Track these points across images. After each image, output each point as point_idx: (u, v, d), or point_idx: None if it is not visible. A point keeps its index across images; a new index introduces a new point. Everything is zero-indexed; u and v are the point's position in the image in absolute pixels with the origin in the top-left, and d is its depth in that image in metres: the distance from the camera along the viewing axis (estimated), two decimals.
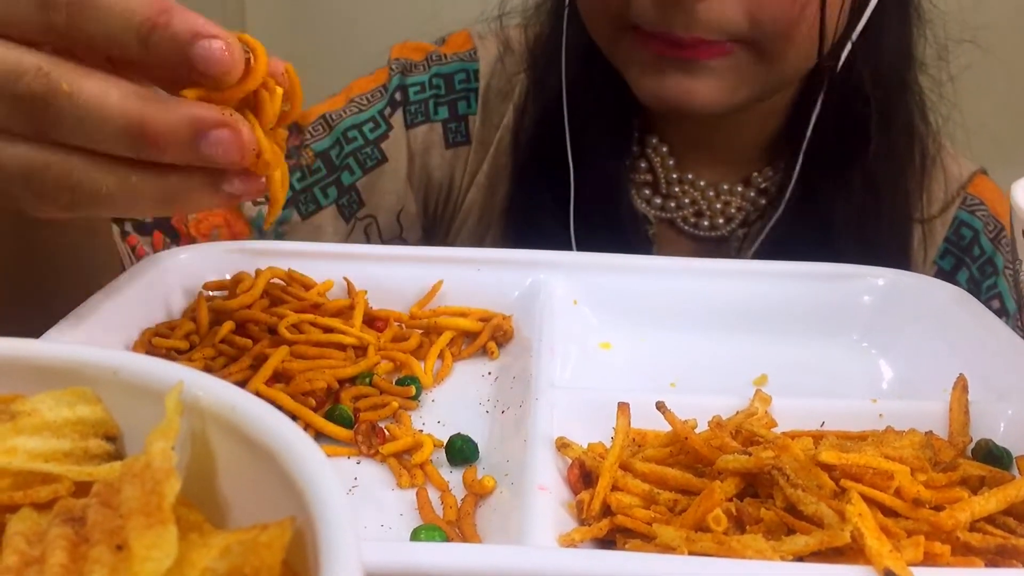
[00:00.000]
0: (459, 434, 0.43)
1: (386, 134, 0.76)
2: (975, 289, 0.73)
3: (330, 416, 0.44)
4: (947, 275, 0.74)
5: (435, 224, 0.79)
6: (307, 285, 0.52)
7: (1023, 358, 0.45)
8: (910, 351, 0.51)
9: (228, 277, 0.52)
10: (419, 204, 0.78)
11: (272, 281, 0.52)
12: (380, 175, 0.76)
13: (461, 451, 0.42)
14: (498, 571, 0.29)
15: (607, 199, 0.72)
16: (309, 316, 0.49)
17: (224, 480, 0.27)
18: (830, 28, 0.62)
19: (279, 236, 0.73)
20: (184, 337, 0.46)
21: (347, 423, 0.44)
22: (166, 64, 0.36)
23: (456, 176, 0.78)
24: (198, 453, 0.27)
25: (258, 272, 0.52)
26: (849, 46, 0.65)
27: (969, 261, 0.74)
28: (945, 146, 0.75)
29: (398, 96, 0.77)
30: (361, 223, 0.76)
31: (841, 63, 0.65)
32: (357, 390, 0.46)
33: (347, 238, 0.75)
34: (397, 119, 0.76)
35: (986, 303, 0.69)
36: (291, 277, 0.52)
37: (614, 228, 0.71)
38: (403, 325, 0.53)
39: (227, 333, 0.48)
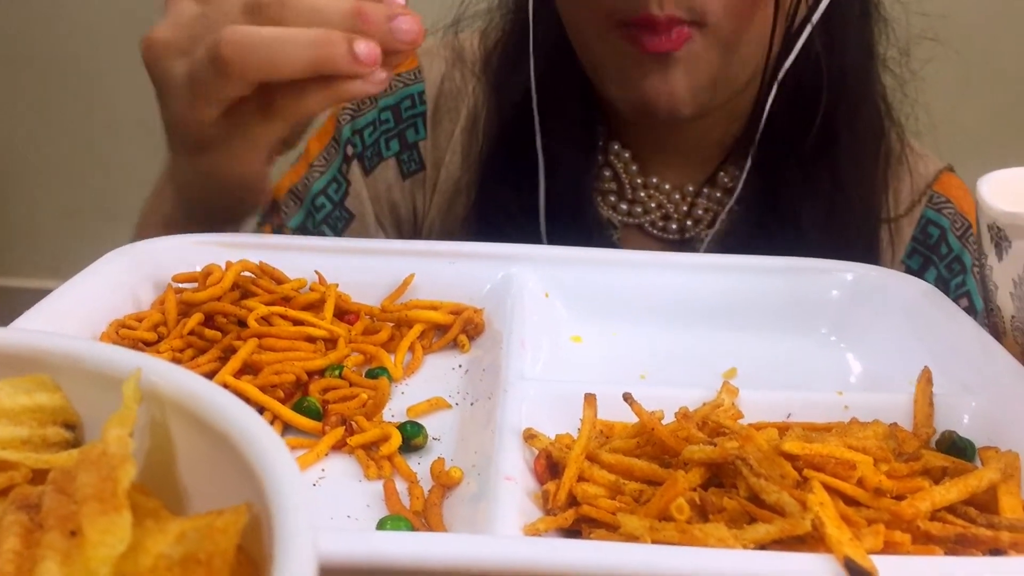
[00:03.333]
0: (408, 421, 0.43)
1: (347, 192, 0.77)
2: (943, 288, 0.73)
3: (298, 408, 0.44)
4: (915, 274, 0.73)
5: None
6: (278, 279, 0.52)
7: (989, 352, 0.46)
8: (878, 345, 0.51)
9: (199, 269, 0.52)
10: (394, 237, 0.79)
11: (243, 274, 0.52)
12: (351, 233, 0.77)
13: (408, 433, 0.42)
14: (461, 560, 0.29)
15: (572, 206, 0.72)
16: (279, 308, 0.49)
17: (183, 468, 0.27)
18: (785, 15, 0.63)
19: None
20: (152, 328, 0.46)
21: (315, 415, 0.44)
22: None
23: (418, 204, 0.78)
24: (157, 441, 0.27)
25: (228, 264, 0.51)
26: (804, 35, 0.65)
27: (937, 260, 0.74)
28: (911, 145, 0.75)
29: (349, 150, 0.77)
30: None
31: (794, 54, 0.65)
32: (326, 382, 0.46)
33: None
34: (354, 173, 0.77)
35: (955, 302, 0.70)
36: (262, 270, 0.52)
37: (579, 235, 0.71)
38: (374, 318, 0.53)
39: (195, 325, 0.47)
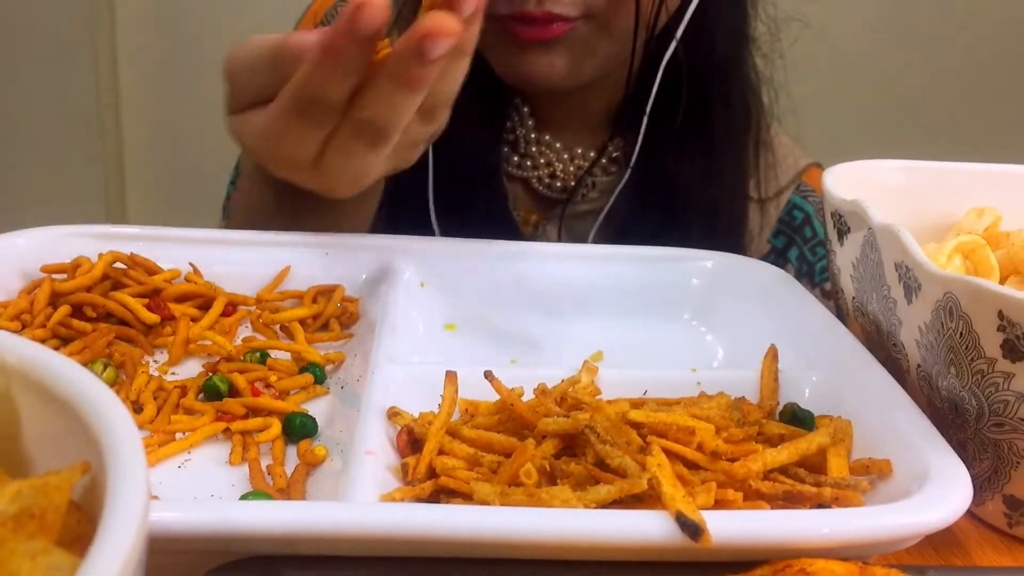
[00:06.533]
0: (297, 411, 0.43)
1: None
2: (807, 269, 0.78)
3: (204, 386, 0.44)
4: (779, 253, 0.79)
5: None
6: (150, 270, 0.52)
7: (832, 331, 0.49)
8: (735, 327, 0.54)
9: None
10: None
11: (115, 266, 0.52)
12: None
13: (302, 427, 0.43)
14: (310, 526, 0.30)
15: (477, 163, 0.75)
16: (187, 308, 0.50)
17: (29, 437, 0.27)
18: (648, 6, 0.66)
19: None
20: (15, 317, 0.46)
21: (214, 394, 0.44)
22: None
23: None
24: (2, 412, 0.27)
25: (100, 256, 0.51)
26: (685, 22, 0.68)
27: (800, 241, 0.79)
28: (779, 133, 0.80)
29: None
30: None
31: (678, 37, 0.69)
32: (242, 365, 0.46)
33: None
34: None
35: (820, 284, 0.75)
36: (133, 261, 0.52)
37: (471, 189, 0.74)
38: (253, 309, 0.53)
39: (63, 317, 0.47)
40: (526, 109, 0.77)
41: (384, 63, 0.44)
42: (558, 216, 0.77)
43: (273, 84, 0.48)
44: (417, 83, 0.45)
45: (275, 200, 0.58)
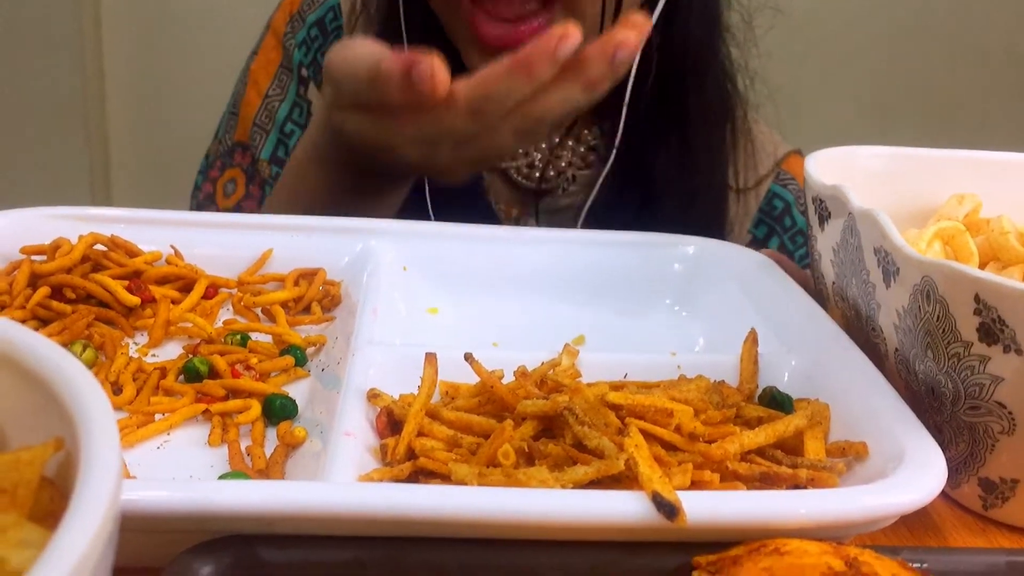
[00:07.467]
0: (277, 393, 0.43)
1: (310, 112, 0.79)
2: (788, 258, 0.78)
3: (184, 367, 0.44)
4: (760, 243, 0.79)
5: None
6: (131, 251, 0.52)
7: (812, 316, 0.49)
8: (717, 312, 0.54)
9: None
10: None
11: (96, 248, 0.51)
12: None
13: (281, 408, 0.43)
14: (287, 505, 0.30)
15: None
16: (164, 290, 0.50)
17: (2, 413, 0.27)
18: None
19: None
20: None
21: (194, 376, 0.44)
22: None
23: None
24: None
25: (80, 238, 0.51)
26: (659, 9, 0.68)
27: (780, 230, 0.79)
28: (758, 121, 0.80)
29: (304, 72, 0.79)
30: None
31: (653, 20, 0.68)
32: (223, 347, 0.46)
33: None
34: (313, 93, 0.79)
35: None
36: (114, 243, 0.51)
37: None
38: (235, 291, 0.53)
39: (42, 298, 0.47)
40: None
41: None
42: (538, 210, 0.77)
43: (372, 98, 0.52)
44: (599, 84, 0.50)
45: (332, 182, 0.61)
